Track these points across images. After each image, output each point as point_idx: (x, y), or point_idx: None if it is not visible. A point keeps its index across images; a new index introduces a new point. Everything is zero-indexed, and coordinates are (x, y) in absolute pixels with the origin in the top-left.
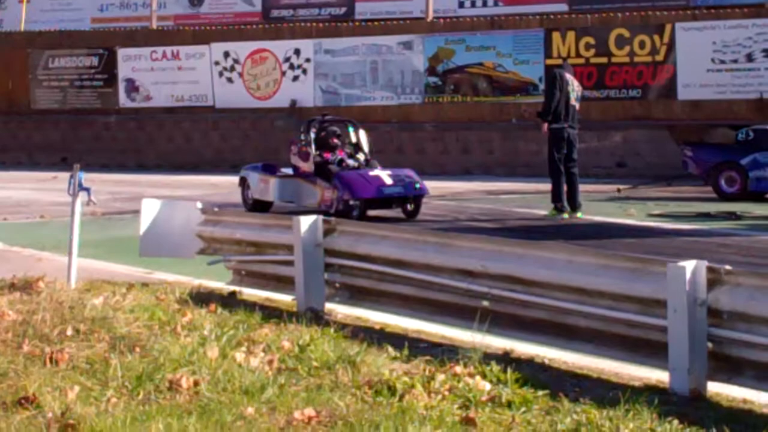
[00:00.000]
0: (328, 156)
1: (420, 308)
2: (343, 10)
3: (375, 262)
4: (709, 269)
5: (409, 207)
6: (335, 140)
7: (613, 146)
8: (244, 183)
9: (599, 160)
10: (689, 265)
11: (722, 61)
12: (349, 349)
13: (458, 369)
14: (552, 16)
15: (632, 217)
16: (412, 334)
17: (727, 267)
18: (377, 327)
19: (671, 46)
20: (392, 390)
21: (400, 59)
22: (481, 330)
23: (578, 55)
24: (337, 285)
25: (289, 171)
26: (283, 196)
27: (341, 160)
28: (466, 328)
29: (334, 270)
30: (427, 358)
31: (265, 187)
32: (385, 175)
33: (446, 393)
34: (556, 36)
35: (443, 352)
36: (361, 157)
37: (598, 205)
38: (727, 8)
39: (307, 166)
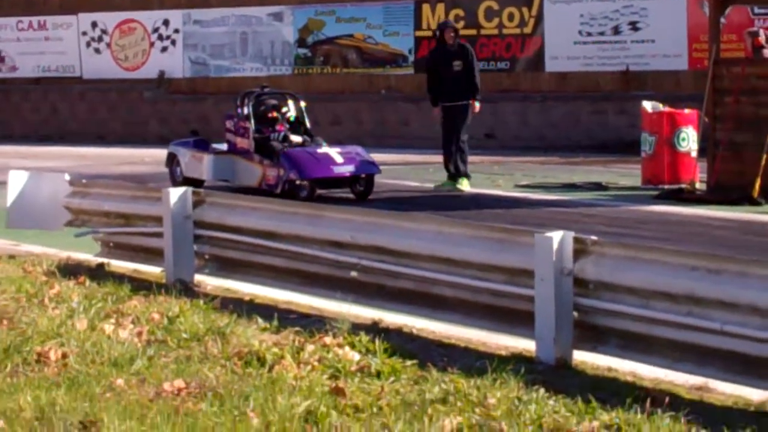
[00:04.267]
0: (267, 132)
1: (290, 279)
2: None
3: (245, 233)
4: (576, 239)
5: (359, 187)
6: (274, 114)
7: (482, 118)
8: (173, 160)
9: (469, 131)
10: (556, 236)
11: (589, 34)
12: (219, 321)
13: (328, 339)
14: None
15: (500, 187)
16: (282, 305)
17: (594, 237)
18: (247, 298)
19: (539, 19)
20: (262, 361)
21: (269, 30)
22: (350, 300)
23: None
24: (207, 257)
25: (223, 147)
26: (218, 174)
27: (285, 136)
28: (335, 298)
29: (203, 242)
30: (297, 329)
31: (198, 165)
32: (334, 153)
33: (316, 363)
34: (426, 8)
35: (313, 323)
36: (302, 133)
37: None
38: None
39: (246, 143)
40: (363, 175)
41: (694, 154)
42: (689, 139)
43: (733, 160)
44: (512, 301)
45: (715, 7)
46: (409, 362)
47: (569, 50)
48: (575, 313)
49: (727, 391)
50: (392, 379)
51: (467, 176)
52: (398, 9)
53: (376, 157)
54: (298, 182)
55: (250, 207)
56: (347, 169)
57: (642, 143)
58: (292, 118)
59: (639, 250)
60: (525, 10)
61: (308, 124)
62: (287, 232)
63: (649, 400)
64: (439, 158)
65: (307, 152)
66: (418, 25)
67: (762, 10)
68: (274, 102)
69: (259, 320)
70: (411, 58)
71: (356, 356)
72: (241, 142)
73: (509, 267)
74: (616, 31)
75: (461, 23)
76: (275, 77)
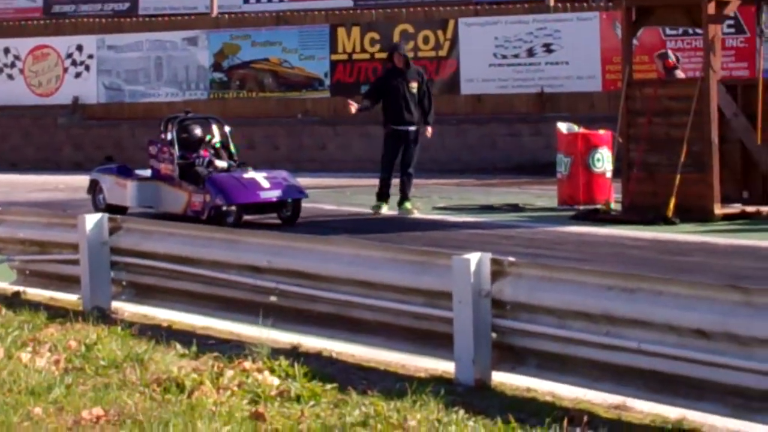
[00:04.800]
0: (191, 157)
1: (208, 305)
2: (127, 5)
3: (162, 259)
4: (494, 261)
5: (286, 212)
6: (198, 139)
7: None
8: (95, 187)
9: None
10: (474, 257)
11: (504, 56)
12: (137, 347)
13: (247, 364)
14: (337, 12)
15: (417, 210)
16: (200, 330)
17: (511, 258)
18: (164, 324)
19: (454, 42)
20: (181, 387)
21: (184, 55)
22: (269, 325)
23: (363, 50)
24: (124, 283)
25: (147, 173)
26: (142, 201)
27: (209, 162)
28: (254, 323)
29: (120, 268)
30: (216, 354)
31: (122, 192)
32: (261, 178)
33: (235, 389)
34: (341, 31)
35: (232, 348)
36: (227, 158)
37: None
38: (509, 4)
39: (170, 169)
40: (290, 200)
41: (608, 174)
42: (604, 160)
43: (647, 181)
44: (431, 324)
45: (627, 29)
46: (329, 386)
47: (484, 73)
48: (493, 335)
49: (645, 409)
50: (312, 403)
51: (408, 199)
52: (313, 33)
53: None
54: (224, 208)
55: (166, 232)
56: (274, 195)
57: (557, 164)
58: (217, 144)
59: (556, 270)
60: (440, 33)
61: (233, 149)
62: (204, 257)
63: (567, 420)
64: (357, 181)
65: (233, 177)
66: (333, 49)
67: (673, 31)
68: (197, 127)
69: (178, 346)
70: (327, 82)
71: (276, 381)
72: (165, 168)
73: (428, 289)
74: (531, 53)
75: (377, 47)
76: (191, 102)
